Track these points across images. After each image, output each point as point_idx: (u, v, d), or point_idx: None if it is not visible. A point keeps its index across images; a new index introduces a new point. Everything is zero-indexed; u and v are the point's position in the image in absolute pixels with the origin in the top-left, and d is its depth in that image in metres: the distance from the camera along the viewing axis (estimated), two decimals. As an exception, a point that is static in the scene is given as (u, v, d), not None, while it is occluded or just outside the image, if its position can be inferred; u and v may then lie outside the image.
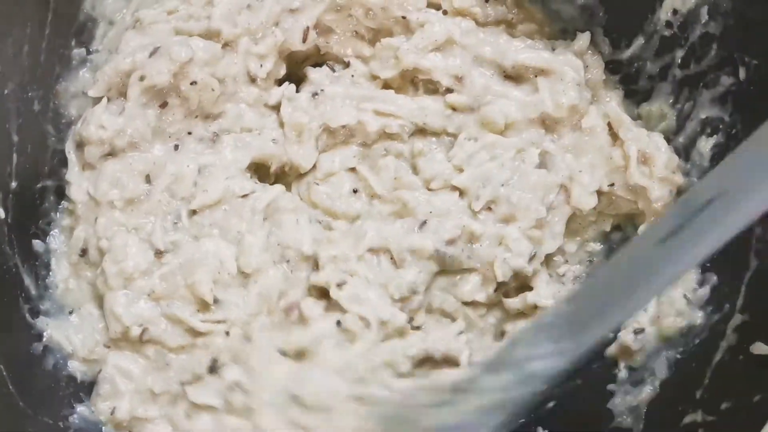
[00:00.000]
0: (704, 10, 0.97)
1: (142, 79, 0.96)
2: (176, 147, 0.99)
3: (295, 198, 1.03)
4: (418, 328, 0.99)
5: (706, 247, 0.64)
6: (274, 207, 0.99)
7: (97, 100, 0.99)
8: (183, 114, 1.00)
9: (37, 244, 0.97)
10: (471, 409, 0.79)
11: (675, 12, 1.00)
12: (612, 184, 1.03)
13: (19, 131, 0.93)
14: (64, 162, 0.99)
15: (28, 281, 0.94)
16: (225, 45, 1.01)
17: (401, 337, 0.96)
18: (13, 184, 0.94)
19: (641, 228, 1.03)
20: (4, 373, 0.86)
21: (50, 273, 0.98)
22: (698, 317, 0.95)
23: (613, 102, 1.08)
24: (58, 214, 1.00)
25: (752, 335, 0.88)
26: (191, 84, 0.97)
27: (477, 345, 1.00)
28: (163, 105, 0.98)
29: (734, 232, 0.63)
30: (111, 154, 0.98)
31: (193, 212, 0.97)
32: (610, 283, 0.71)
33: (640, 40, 1.04)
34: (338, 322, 0.93)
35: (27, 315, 0.94)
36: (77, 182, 0.98)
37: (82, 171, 0.99)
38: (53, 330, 0.95)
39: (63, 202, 1.00)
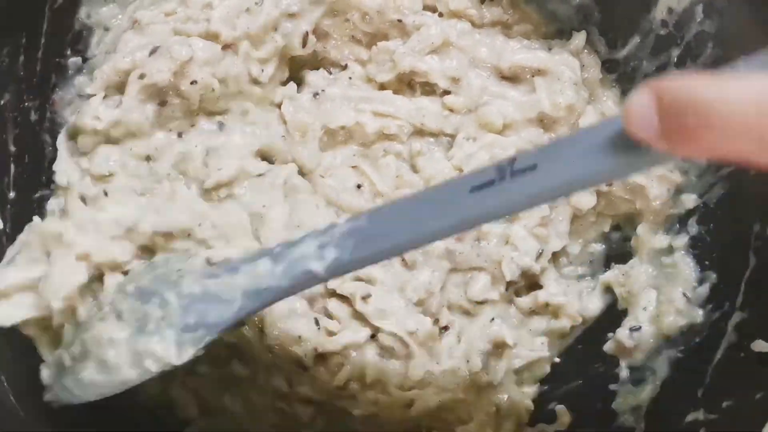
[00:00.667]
0: (699, 8, 0.97)
1: (141, 77, 0.94)
2: (180, 135, 0.98)
3: (305, 182, 1.01)
4: (446, 328, 0.98)
5: (509, 209, 0.68)
6: (290, 185, 0.98)
7: None
8: (183, 112, 0.98)
9: (36, 254, 0.97)
10: (217, 283, 0.79)
11: (670, 11, 1.00)
12: (610, 184, 1.03)
13: (16, 142, 0.93)
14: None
15: (28, 291, 0.94)
16: (225, 47, 1.00)
17: (434, 343, 0.96)
18: (11, 195, 0.93)
19: (639, 228, 1.03)
20: (6, 385, 0.86)
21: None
22: (698, 315, 0.96)
23: (609, 101, 1.08)
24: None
25: (753, 333, 0.88)
26: (191, 84, 0.96)
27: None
28: (163, 103, 0.97)
29: (537, 204, 0.68)
30: (107, 143, 0.96)
31: (207, 191, 0.95)
32: (409, 211, 0.72)
33: (636, 40, 1.04)
34: (372, 336, 0.94)
35: (27, 325, 0.93)
36: (65, 168, 0.96)
37: (71, 157, 0.96)
38: (54, 339, 0.95)
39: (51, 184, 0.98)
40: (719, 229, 0.98)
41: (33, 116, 0.96)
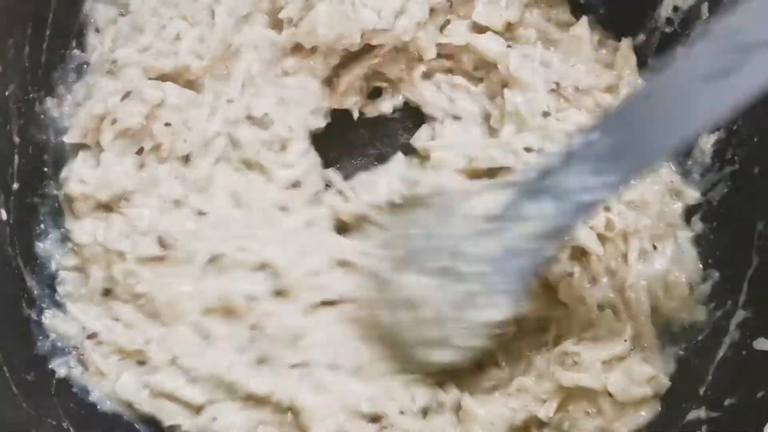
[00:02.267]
0: (705, 6, 0.97)
1: (114, 122, 0.95)
2: (175, 202, 0.98)
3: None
4: None
5: (753, 92, 0.65)
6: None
7: (74, 151, 0.98)
8: (164, 167, 0.98)
9: (39, 245, 0.97)
10: (515, 236, 0.78)
11: (676, 9, 1.00)
12: None
13: (21, 133, 0.93)
14: (65, 161, 0.99)
15: (30, 283, 0.94)
16: (197, 86, 1.00)
17: None
18: (15, 186, 0.93)
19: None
20: (8, 375, 0.86)
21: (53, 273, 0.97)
22: (701, 313, 0.96)
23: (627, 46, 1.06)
24: (61, 247, 0.98)
25: (755, 331, 0.88)
26: (165, 125, 0.96)
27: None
28: (140, 151, 0.97)
29: None
30: (107, 208, 0.97)
31: None
32: (649, 114, 0.71)
33: (641, 38, 1.04)
34: None
35: (30, 317, 0.93)
36: (79, 228, 0.97)
37: (80, 219, 0.97)
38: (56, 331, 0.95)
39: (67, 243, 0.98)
40: (722, 228, 0.98)
41: (38, 107, 0.96)
